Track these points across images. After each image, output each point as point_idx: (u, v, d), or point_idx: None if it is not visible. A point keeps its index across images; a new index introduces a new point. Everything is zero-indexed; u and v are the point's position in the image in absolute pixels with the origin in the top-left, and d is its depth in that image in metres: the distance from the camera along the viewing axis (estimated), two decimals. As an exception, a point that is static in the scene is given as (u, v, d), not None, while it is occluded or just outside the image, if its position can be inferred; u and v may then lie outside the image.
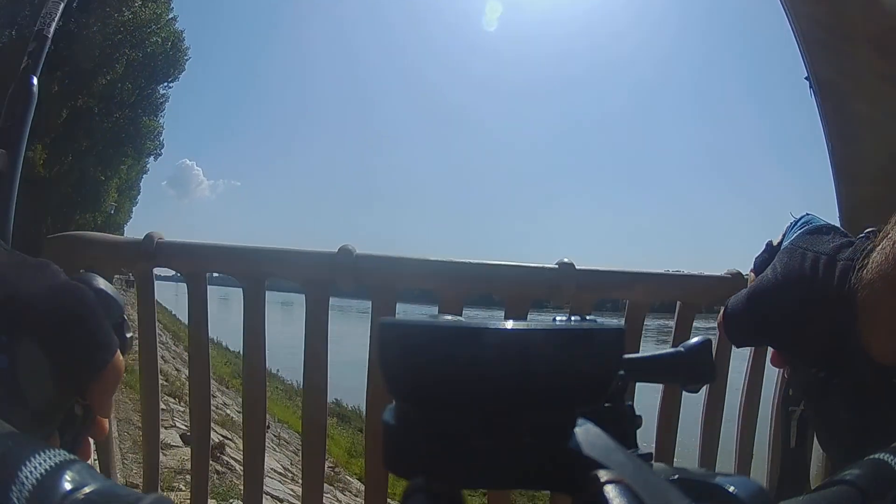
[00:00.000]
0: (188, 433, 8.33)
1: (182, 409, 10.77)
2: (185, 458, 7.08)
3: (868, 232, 1.02)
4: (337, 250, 2.21)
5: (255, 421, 2.29)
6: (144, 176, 49.96)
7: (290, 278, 2.37)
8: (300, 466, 2.41)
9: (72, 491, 0.51)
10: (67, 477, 0.52)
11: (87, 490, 0.51)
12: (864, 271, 0.95)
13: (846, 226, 2.59)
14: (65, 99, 34.36)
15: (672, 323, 2.27)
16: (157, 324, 2.31)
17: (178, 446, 8.44)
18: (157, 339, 2.35)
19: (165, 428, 9.13)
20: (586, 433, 0.41)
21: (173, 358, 18.85)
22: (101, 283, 0.97)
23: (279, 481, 9.50)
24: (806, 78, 2.52)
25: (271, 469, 9.88)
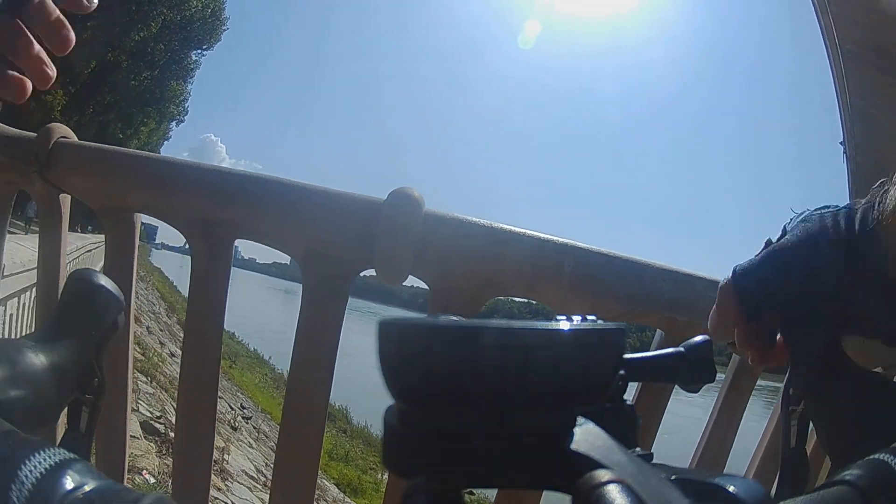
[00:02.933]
0: (152, 421, 7.63)
1: (152, 390, 9.67)
2: (140, 453, 6.43)
3: (881, 182, 1.01)
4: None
5: (203, 416, 1.58)
6: (166, 142, 50.52)
7: (284, 245, 1.55)
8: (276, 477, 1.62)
9: (72, 490, 0.51)
10: (67, 476, 0.52)
11: (86, 489, 0.52)
12: (886, 202, 0.95)
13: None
14: (94, 49, 34.62)
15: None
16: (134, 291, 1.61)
17: (134, 437, 6.67)
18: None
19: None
20: (586, 433, 0.41)
21: (161, 330, 18.21)
22: (102, 279, 0.98)
23: (249, 487, 8.36)
24: (841, 142, 2.50)
25: (242, 471, 8.92)
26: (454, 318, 0.41)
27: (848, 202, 1.13)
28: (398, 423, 0.41)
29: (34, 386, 0.84)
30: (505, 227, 1.48)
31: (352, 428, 18.51)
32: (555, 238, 1.49)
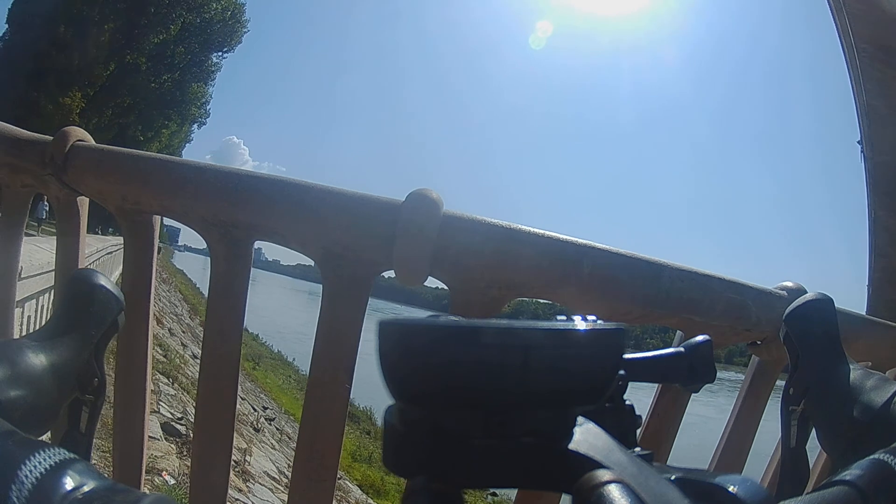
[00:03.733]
0: (173, 422, 7.57)
1: (173, 392, 9.60)
2: (161, 454, 6.41)
3: None
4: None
5: (220, 421, 1.58)
6: (188, 145, 50.70)
7: (303, 247, 1.54)
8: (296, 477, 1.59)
9: (71, 490, 0.52)
10: (67, 476, 0.53)
11: (86, 489, 0.52)
12: None
13: (872, 299, 2.57)
14: (113, 52, 34.79)
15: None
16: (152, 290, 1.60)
17: (155, 438, 6.85)
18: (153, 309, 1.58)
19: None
20: (586, 433, 0.41)
21: (183, 332, 18.13)
22: (101, 279, 0.99)
23: (270, 488, 8.27)
24: (858, 142, 2.49)
25: (264, 472, 8.80)
26: (454, 317, 0.41)
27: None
28: (398, 423, 0.41)
29: (34, 386, 0.84)
30: (523, 228, 1.47)
31: (376, 429, 18.44)
32: (573, 239, 1.48)
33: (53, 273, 1.64)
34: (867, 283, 2.58)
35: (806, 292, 1.63)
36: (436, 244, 1.41)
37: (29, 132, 1.63)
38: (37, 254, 4.13)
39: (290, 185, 1.49)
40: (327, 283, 1.52)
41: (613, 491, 0.35)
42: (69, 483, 0.52)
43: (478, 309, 1.48)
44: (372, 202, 1.46)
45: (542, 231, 1.47)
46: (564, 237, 1.48)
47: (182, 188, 1.52)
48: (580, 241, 1.48)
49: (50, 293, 4.58)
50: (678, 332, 1.66)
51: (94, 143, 1.60)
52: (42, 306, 4.72)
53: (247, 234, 1.53)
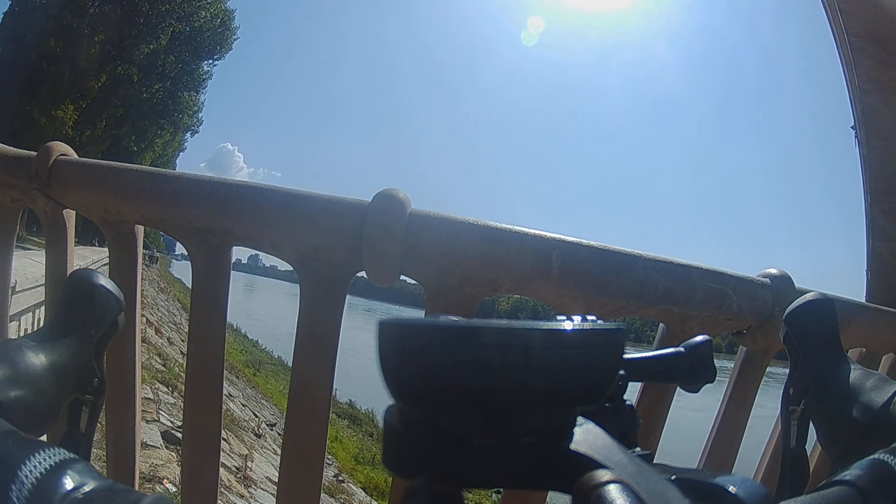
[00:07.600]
0: (173, 430, 7.54)
1: (173, 400, 9.49)
2: (161, 462, 6.39)
3: None
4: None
5: (209, 427, 1.61)
6: (182, 153, 50.76)
7: (278, 251, 1.58)
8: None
9: (72, 490, 0.52)
10: (67, 476, 0.53)
11: (86, 489, 0.52)
12: None
13: (873, 283, 2.58)
14: (104, 63, 34.82)
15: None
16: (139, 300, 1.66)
17: (155, 446, 6.85)
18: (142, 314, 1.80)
19: (147, 422, 7.31)
20: (586, 433, 0.41)
21: (182, 341, 18.08)
22: (101, 279, 0.99)
23: (273, 493, 7.95)
24: (852, 126, 2.49)
25: (265, 477, 8.81)
26: (454, 318, 0.41)
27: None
28: (398, 423, 0.41)
29: (34, 386, 0.84)
30: (491, 224, 1.49)
31: (378, 431, 18.46)
32: (542, 233, 1.50)
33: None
34: (865, 269, 2.59)
35: (790, 279, 1.63)
36: (405, 243, 1.45)
37: (15, 149, 1.67)
38: (31, 267, 4.16)
39: (260, 190, 1.55)
40: (304, 285, 1.56)
41: (613, 491, 0.35)
42: (69, 483, 0.52)
43: (454, 307, 1.51)
44: (339, 204, 1.51)
45: (510, 226, 1.51)
46: (533, 231, 1.50)
47: (159, 197, 1.57)
48: (549, 234, 1.51)
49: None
50: (661, 325, 1.68)
51: (76, 157, 1.65)
52: (38, 319, 4.73)
53: (223, 240, 1.57)
